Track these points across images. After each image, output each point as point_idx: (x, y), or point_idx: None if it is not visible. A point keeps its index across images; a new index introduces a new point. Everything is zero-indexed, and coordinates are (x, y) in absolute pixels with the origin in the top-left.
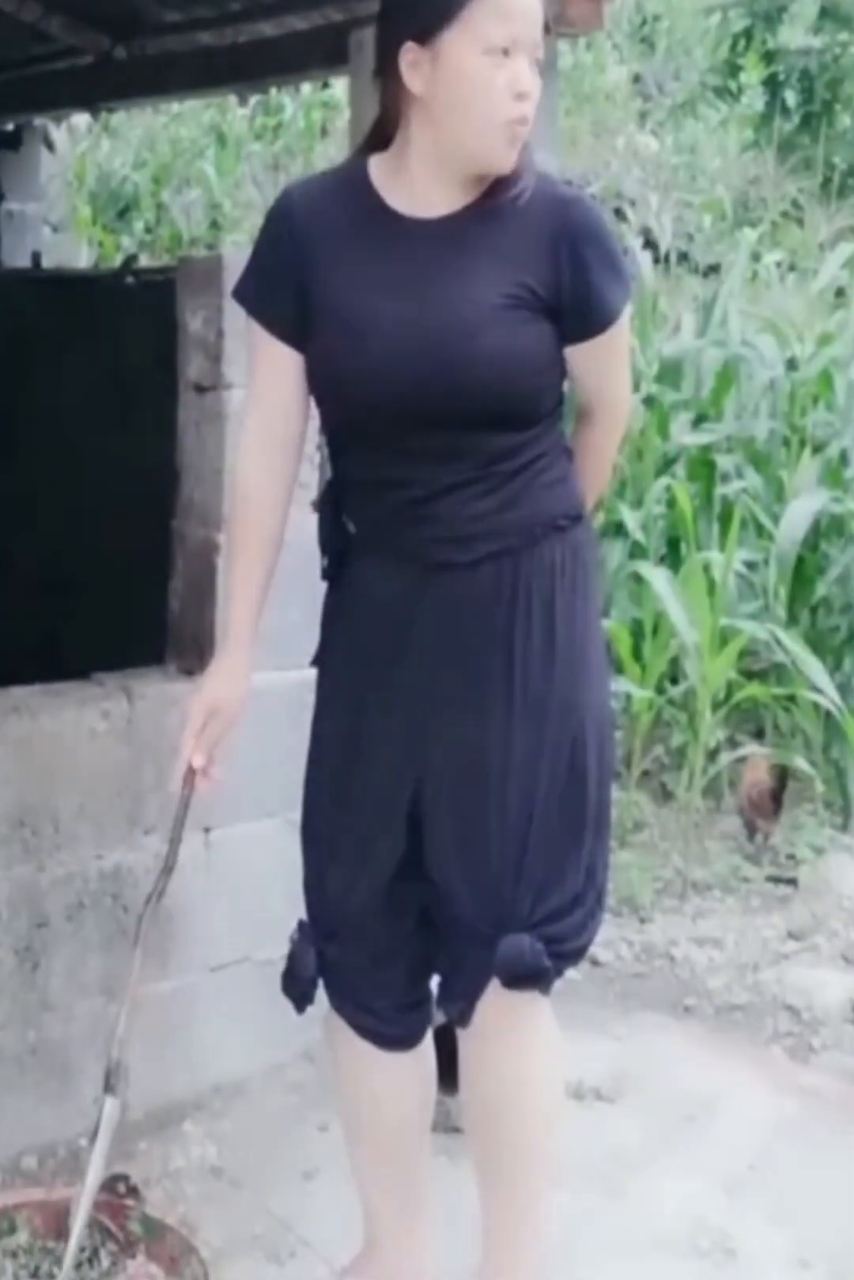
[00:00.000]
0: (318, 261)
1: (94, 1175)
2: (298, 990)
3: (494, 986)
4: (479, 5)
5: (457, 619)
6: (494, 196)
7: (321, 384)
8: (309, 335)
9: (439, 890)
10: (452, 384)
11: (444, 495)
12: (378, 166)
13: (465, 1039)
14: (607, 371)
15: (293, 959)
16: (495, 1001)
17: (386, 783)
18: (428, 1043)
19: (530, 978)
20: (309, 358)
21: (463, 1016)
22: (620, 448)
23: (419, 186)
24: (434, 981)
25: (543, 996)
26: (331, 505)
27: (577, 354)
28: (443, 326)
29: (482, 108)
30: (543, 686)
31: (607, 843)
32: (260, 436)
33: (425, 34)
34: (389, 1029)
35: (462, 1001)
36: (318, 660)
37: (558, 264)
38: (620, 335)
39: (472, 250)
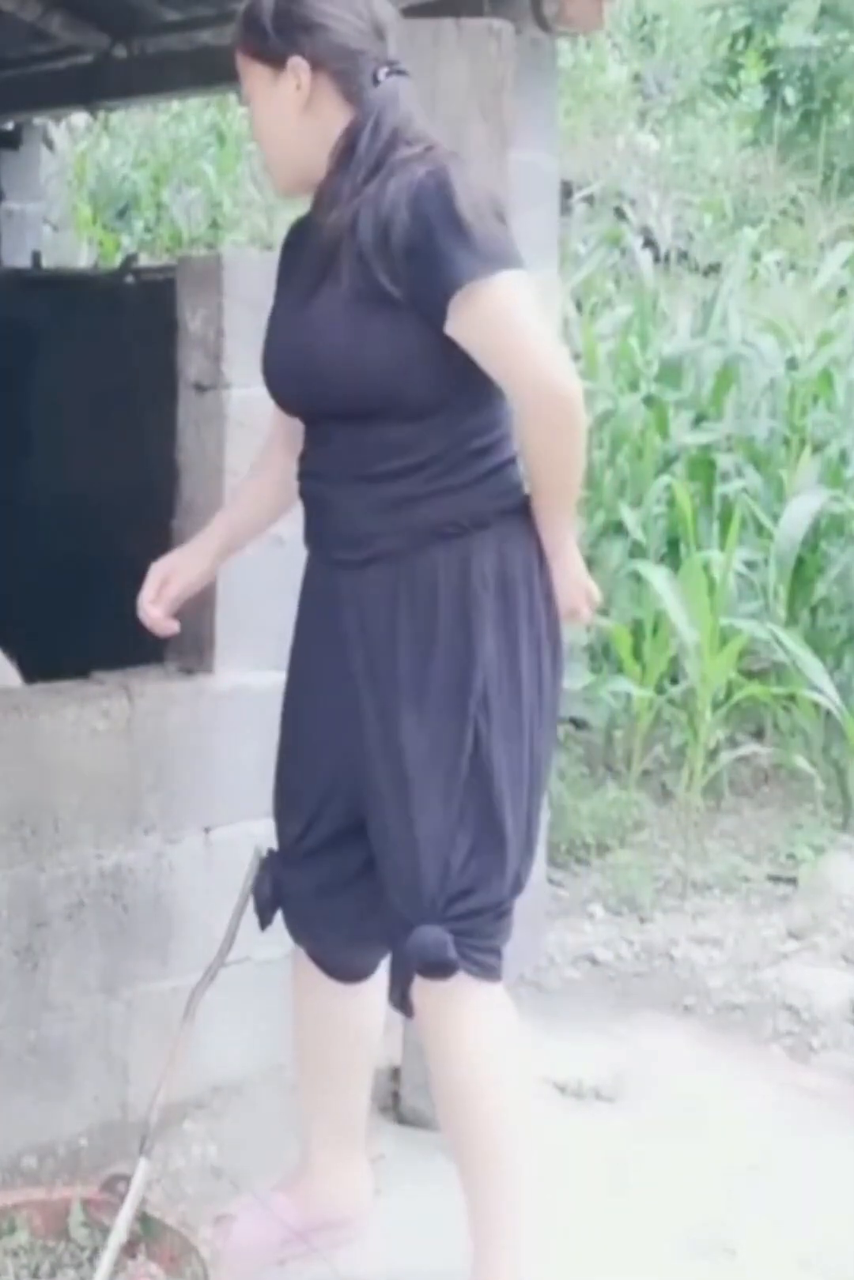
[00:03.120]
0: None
1: (116, 1236)
2: (258, 908)
3: (422, 980)
4: None
5: (356, 611)
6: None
7: None
8: None
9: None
10: (310, 381)
11: (338, 492)
12: None
13: (415, 1030)
14: (497, 353)
15: (257, 881)
16: (421, 991)
17: (323, 759)
18: (376, 982)
19: (437, 968)
20: None
21: (403, 1005)
22: (566, 437)
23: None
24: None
25: (480, 988)
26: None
27: (461, 341)
28: (301, 327)
29: None
30: (430, 691)
31: (533, 849)
32: (275, 422)
33: None
34: (335, 959)
35: (397, 990)
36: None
37: (389, 239)
38: (495, 313)
39: (335, 256)
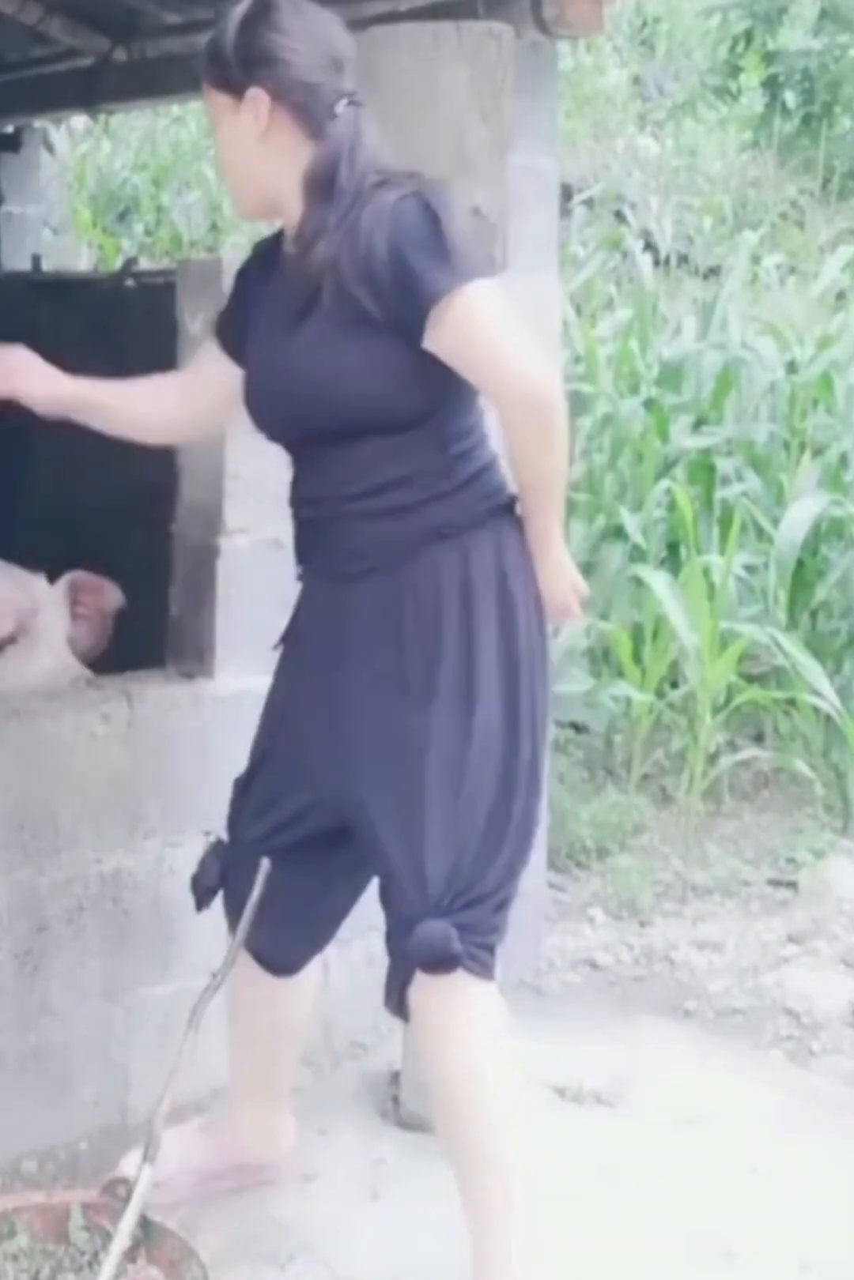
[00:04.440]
0: (252, 314)
1: (119, 1241)
2: (198, 893)
3: (422, 977)
4: None
5: (354, 622)
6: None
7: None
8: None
9: (378, 877)
10: (295, 407)
11: (331, 511)
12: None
13: (413, 1034)
14: (475, 364)
15: (200, 866)
16: (421, 990)
17: (311, 767)
18: (308, 974)
19: (442, 963)
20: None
21: (399, 1008)
22: (548, 437)
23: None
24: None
25: (476, 987)
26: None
27: (440, 353)
28: (283, 353)
29: None
30: (440, 688)
31: (529, 843)
32: (176, 378)
33: None
34: (277, 955)
35: (393, 992)
36: (282, 642)
37: (369, 260)
38: (470, 322)
39: (319, 287)
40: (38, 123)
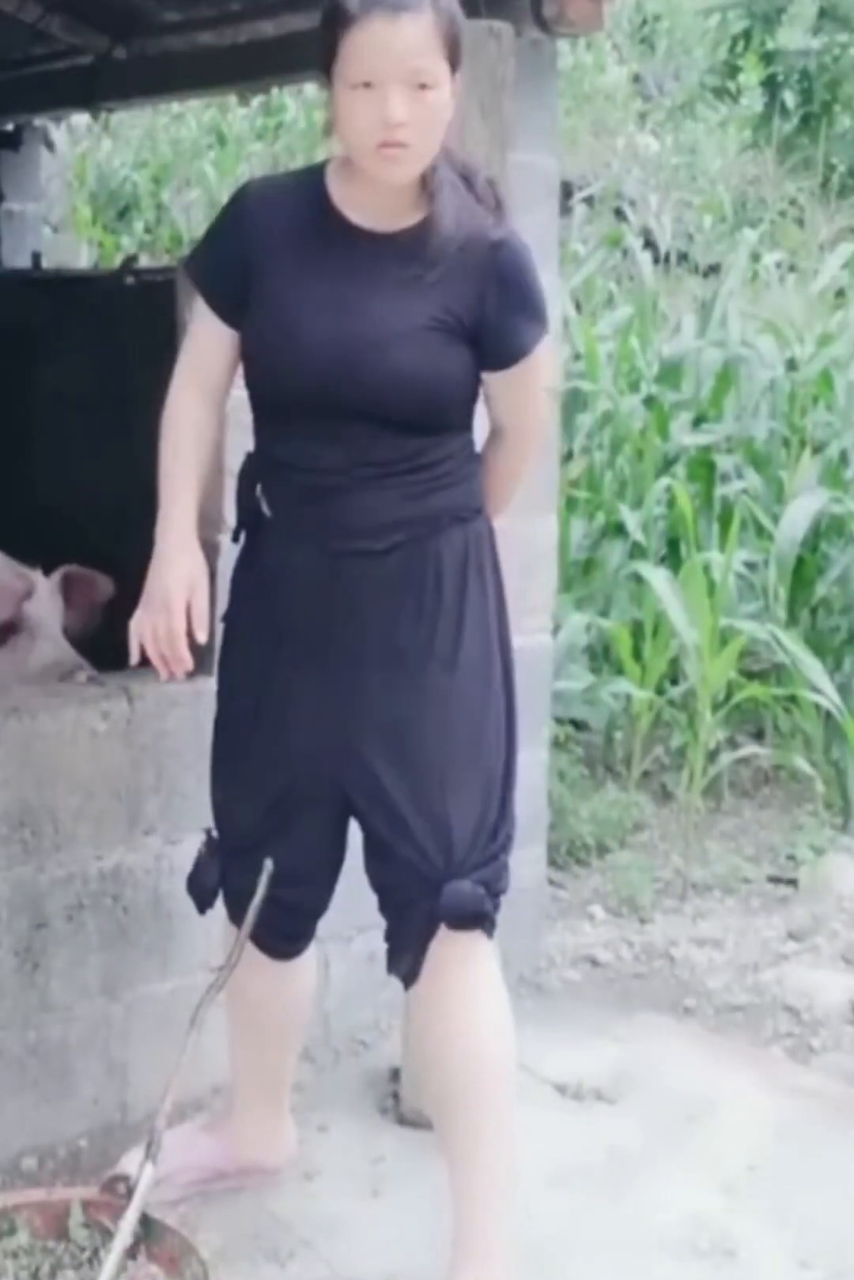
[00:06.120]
0: (265, 255)
1: (120, 1239)
2: (199, 895)
3: (440, 934)
4: (344, 48)
5: (373, 596)
6: (428, 229)
7: (256, 368)
8: (245, 320)
9: (384, 846)
10: (365, 392)
11: (356, 487)
12: (335, 173)
13: (417, 995)
14: (520, 402)
15: (198, 868)
16: (441, 947)
17: (306, 747)
18: (308, 958)
19: (475, 920)
20: (245, 342)
21: (412, 971)
22: (531, 464)
23: (370, 200)
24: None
25: (486, 941)
26: (250, 477)
27: (491, 381)
28: (363, 337)
29: (353, 134)
30: (461, 656)
31: (513, 795)
32: (190, 378)
33: (325, 71)
34: (279, 940)
35: (410, 954)
36: (227, 625)
37: (482, 299)
38: (534, 370)
39: (407, 270)
40: (38, 121)
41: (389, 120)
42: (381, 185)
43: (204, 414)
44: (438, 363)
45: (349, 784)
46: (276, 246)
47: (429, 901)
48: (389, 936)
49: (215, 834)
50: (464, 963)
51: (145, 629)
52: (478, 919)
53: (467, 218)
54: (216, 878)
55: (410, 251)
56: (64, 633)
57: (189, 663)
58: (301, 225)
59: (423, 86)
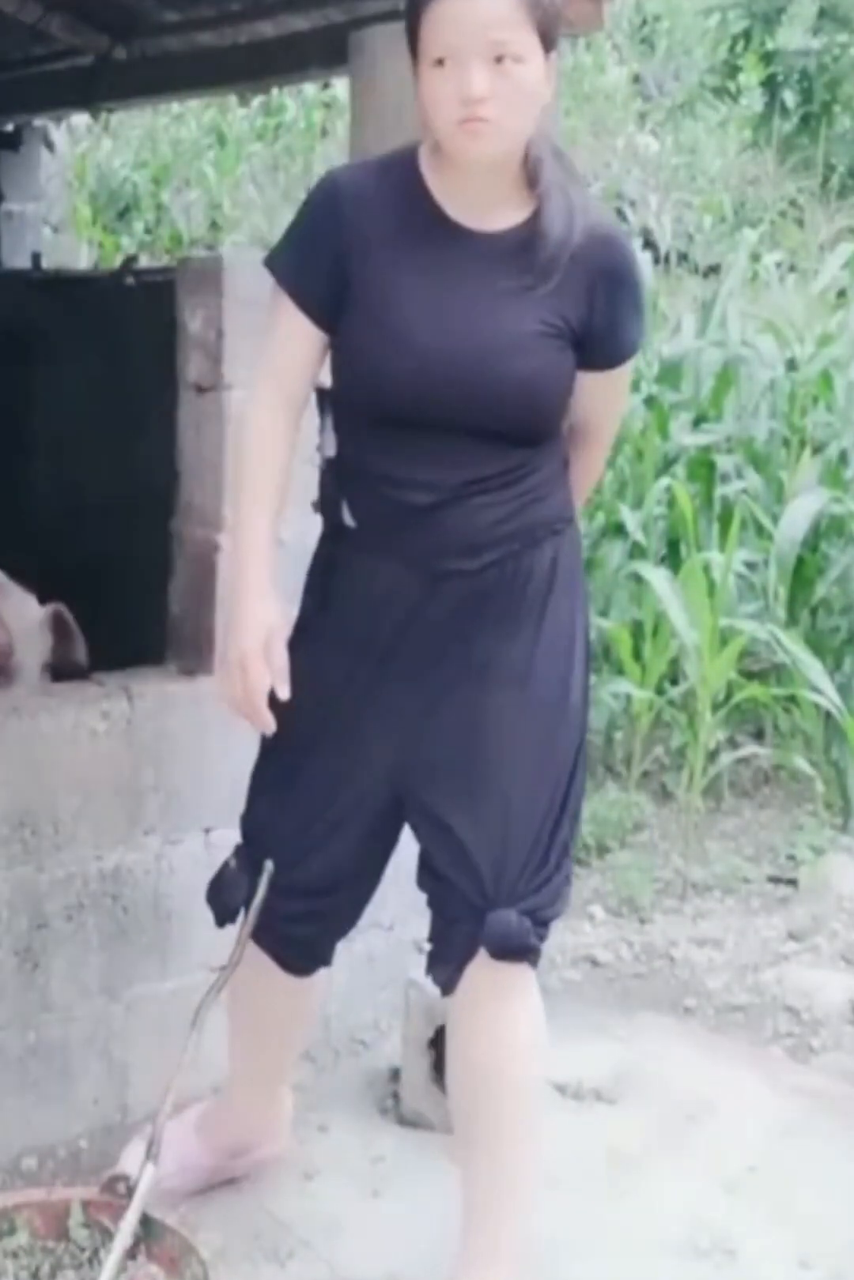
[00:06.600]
0: (364, 253)
1: (121, 1240)
2: (220, 910)
3: (481, 958)
4: (424, 27)
5: (460, 613)
6: (537, 234)
7: (354, 375)
8: (340, 322)
9: (433, 861)
10: (479, 403)
11: (453, 503)
12: (427, 160)
13: (455, 1008)
14: (610, 399)
15: (225, 882)
16: (483, 969)
17: (378, 762)
18: (321, 972)
19: (519, 952)
20: (341, 346)
21: (449, 983)
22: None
23: (466, 190)
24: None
25: (528, 971)
26: (334, 487)
27: (589, 380)
28: (481, 345)
29: (434, 112)
30: (537, 671)
31: (578, 821)
32: (272, 393)
33: (412, 54)
34: (299, 957)
35: (449, 968)
36: (296, 632)
37: (592, 299)
38: (626, 374)
39: (518, 273)
40: (38, 121)
41: (469, 96)
42: (474, 171)
43: (285, 432)
44: (553, 370)
45: (412, 803)
46: (374, 242)
47: (473, 926)
48: (432, 939)
49: (245, 845)
50: (503, 994)
51: (224, 695)
52: (523, 952)
53: (577, 218)
54: (244, 895)
55: (519, 255)
56: (48, 668)
57: (272, 724)
58: (400, 219)
59: (505, 59)
